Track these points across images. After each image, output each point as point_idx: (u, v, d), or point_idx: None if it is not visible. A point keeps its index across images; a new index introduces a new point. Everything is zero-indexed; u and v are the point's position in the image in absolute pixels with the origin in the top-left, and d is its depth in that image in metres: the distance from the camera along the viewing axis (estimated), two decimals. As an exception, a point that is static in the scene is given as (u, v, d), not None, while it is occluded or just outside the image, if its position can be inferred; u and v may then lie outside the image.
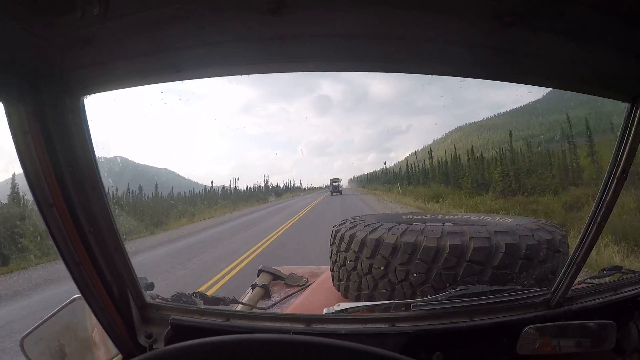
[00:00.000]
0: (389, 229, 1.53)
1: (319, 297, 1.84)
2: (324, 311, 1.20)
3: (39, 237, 12.11)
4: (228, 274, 7.91)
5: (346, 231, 1.68)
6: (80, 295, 1.03)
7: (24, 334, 1.11)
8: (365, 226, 1.64)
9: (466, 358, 1.09)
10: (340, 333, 1.05)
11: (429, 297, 1.21)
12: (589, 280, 1.35)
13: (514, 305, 1.12)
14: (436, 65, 0.91)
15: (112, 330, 1.06)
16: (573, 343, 1.06)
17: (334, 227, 1.84)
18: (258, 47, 0.83)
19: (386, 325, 1.08)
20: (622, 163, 0.99)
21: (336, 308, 1.21)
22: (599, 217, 1.03)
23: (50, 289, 7.75)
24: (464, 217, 2.34)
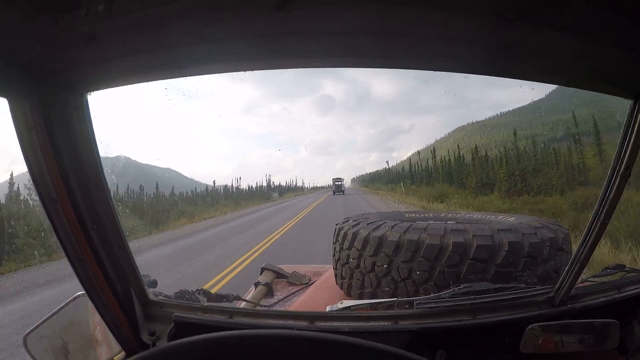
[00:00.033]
0: (392, 227, 1.54)
1: (322, 295, 1.85)
2: (327, 309, 1.21)
3: (34, 238, 12.10)
4: (218, 282, 7.56)
5: (349, 229, 1.69)
6: (83, 292, 1.05)
7: (27, 331, 1.12)
8: (368, 224, 1.65)
9: (469, 356, 1.09)
10: (344, 331, 1.05)
11: (432, 295, 1.21)
12: (592, 279, 1.36)
13: (518, 303, 1.12)
14: (440, 61, 0.92)
15: (115, 327, 1.06)
16: (576, 341, 1.06)
17: (337, 224, 1.86)
18: (262, 44, 0.84)
19: (389, 323, 1.09)
20: (625, 160, 0.99)
21: (339, 306, 1.21)
22: (603, 214, 1.04)
23: (38, 294, 7.51)
24: (467, 215, 2.36)
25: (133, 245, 1.07)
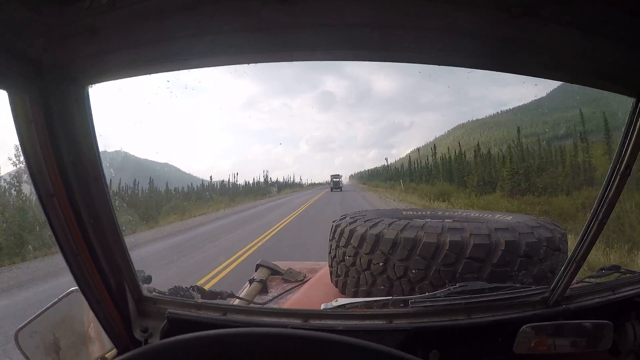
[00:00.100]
0: (389, 225, 1.56)
1: (317, 293, 1.87)
2: (322, 307, 1.22)
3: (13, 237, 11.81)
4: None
5: (346, 226, 1.71)
6: (76, 287, 1.05)
7: (19, 327, 1.12)
8: (365, 221, 1.66)
9: (463, 356, 1.11)
10: (338, 329, 1.07)
11: (427, 293, 1.22)
12: (587, 280, 1.38)
13: (513, 303, 1.14)
14: (444, 55, 0.92)
15: (107, 323, 1.07)
16: (569, 343, 1.07)
17: (333, 222, 1.87)
18: (265, 37, 0.85)
19: (384, 322, 1.10)
20: (625, 159, 1.00)
21: (334, 304, 1.22)
22: (601, 214, 1.04)
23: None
24: (464, 213, 2.38)
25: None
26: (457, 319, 1.10)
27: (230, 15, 0.77)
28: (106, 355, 1.19)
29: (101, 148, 0.94)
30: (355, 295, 1.61)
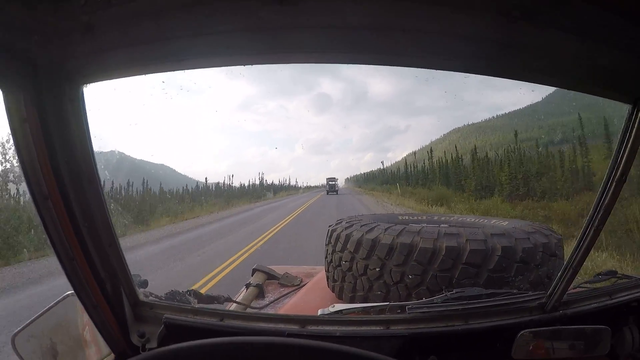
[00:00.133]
0: (386, 230, 1.56)
1: (314, 298, 1.88)
2: (319, 312, 1.22)
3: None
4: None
5: (342, 231, 1.71)
6: (72, 292, 1.05)
7: (16, 331, 1.12)
8: (361, 226, 1.67)
9: None
10: (335, 335, 1.07)
11: (424, 299, 1.23)
12: (584, 285, 1.39)
13: (510, 309, 1.15)
14: (442, 59, 0.93)
15: (104, 328, 1.06)
16: (567, 348, 1.09)
17: (330, 226, 1.87)
18: (263, 37, 0.84)
19: (381, 328, 1.11)
20: (621, 166, 1.01)
21: (331, 309, 1.23)
22: (597, 220, 1.06)
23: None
24: (460, 218, 2.39)
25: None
26: (455, 325, 1.11)
27: (230, 15, 0.77)
28: (103, 360, 1.19)
29: (96, 149, 0.94)
30: (352, 300, 1.62)
